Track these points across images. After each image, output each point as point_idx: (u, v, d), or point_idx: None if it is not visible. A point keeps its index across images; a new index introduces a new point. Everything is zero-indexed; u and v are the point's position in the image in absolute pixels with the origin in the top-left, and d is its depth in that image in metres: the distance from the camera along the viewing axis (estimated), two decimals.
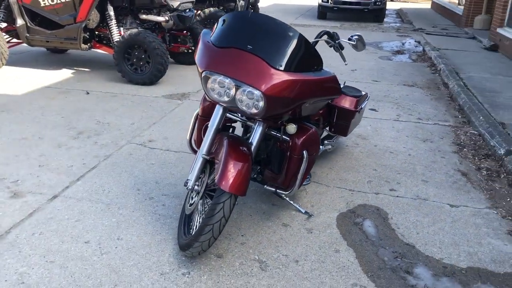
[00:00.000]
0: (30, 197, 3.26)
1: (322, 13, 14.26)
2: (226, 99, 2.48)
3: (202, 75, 2.49)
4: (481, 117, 5.04)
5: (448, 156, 4.28)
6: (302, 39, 2.49)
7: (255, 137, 2.71)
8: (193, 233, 2.51)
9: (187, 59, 7.37)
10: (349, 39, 3.12)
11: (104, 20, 6.37)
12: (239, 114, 2.91)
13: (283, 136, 2.79)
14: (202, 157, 2.65)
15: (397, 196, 3.48)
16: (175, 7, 6.33)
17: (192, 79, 6.55)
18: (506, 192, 3.63)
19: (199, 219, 2.64)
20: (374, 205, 3.34)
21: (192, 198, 2.71)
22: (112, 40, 6.26)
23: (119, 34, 6.26)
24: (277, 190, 2.95)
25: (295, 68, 2.44)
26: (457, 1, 15.12)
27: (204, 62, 2.50)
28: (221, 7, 9.23)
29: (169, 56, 6.13)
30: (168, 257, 2.68)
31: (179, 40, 7.31)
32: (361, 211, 3.25)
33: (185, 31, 7.13)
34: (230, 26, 2.53)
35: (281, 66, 2.40)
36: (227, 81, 2.43)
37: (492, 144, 4.41)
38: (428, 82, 7.07)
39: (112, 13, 6.22)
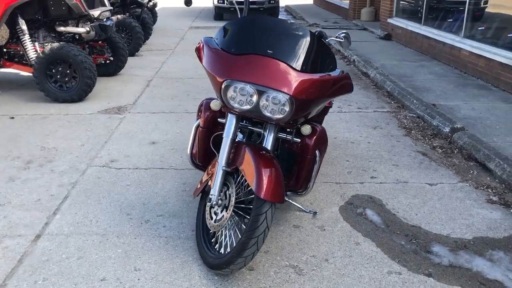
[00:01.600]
0: (9, 242, 2.86)
1: (219, 14, 14.33)
2: (247, 107, 2.41)
3: (223, 85, 2.39)
4: (414, 101, 5.48)
5: (402, 139, 4.60)
6: (318, 39, 2.51)
7: (268, 142, 2.67)
8: (231, 249, 2.40)
9: (106, 70, 6.95)
10: (337, 37, 3.19)
11: (14, 35, 5.75)
12: (244, 121, 2.83)
13: (294, 138, 2.78)
14: (222, 170, 2.55)
15: (381, 183, 3.66)
16: (96, 16, 5.93)
17: (120, 91, 6.20)
18: (466, 166, 4.00)
19: (230, 234, 2.54)
20: (365, 194, 3.48)
21: (217, 214, 2.59)
22: (28, 57, 5.68)
23: (34, 50, 5.70)
24: (287, 193, 2.94)
25: (317, 69, 2.45)
26: None
27: (222, 71, 2.40)
28: (128, 14, 8.84)
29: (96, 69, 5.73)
30: (199, 279, 2.54)
31: (95, 51, 6.86)
32: (357, 202, 3.36)
33: (101, 41, 6.71)
34: (244, 32, 2.47)
35: (304, 67, 2.40)
36: (249, 88, 2.36)
37: (435, 124, 4.82)
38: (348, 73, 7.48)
39: (24, 27, 5.64)
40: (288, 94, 2.33)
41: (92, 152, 4.18)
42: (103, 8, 6.22)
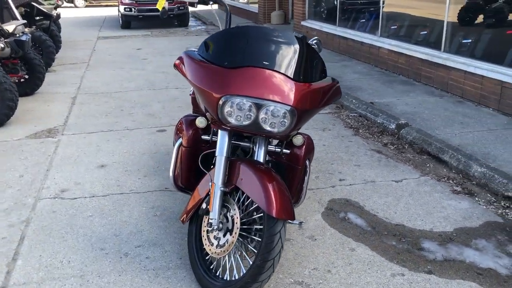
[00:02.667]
0: None
1: (126, 22, 13.76)
2: (246, 122, 2.28)
3: (221, 101, 2.23)
4: (353, 100, 5.65)
5: (353, 139, 4.71)
6: (311, 48, 2.44)
7: (259, 157, 2.55)
8: (244, 274, 2.25)
9: (23, 90, 6.32)
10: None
11: None
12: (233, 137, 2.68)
13: (284, 150, 2.69)
14: (220, 191, 2.39)
15: (351, 185, 3.70)
16: (10, 31, 5.36)
17: (44, 112, 5.67)
18: (421, 160, 4.19)
19: (236, 257, 2.39)
20: (341, 197, 3.49)
21: (218, 238, 2.42)
22: None
23: None
24: None
25: (313, 77, 2.39)
26: (245, 1, 16.32)
27: (218, 86, 2.24)
28: (34, 27, 8.14)
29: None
30: None
31: (7, 69, 6.21)
32: (336, 207, 3.36)
33: (14, 59, 6.09)
34: (235, 44, 2.33)
35: (302, 77, 2.32)
36: (247, 102, 2.23)
37: (380, 121, 5.00)
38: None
39: None
40: (290, 106, 2.24)
41: (36, 183, 3.75)
42: (17, 22, 5.65)
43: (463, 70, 5.88)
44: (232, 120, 2.29)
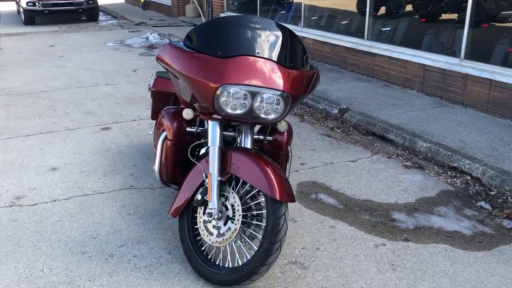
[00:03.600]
0: None
1: (30, 18, 12.84)
2: (241, 111, 2.32)
3: (218, 91, 2.25)
4: None
5: (302, 125, 4.90)
6: (296, 36, 2.52)
7: (246, 144, 2.60)
8: (251, 259, 2.30)
9: None
10: None
11: None
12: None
13: (267, 137, 2.76)
14: (217, 180, 2.41)
15: (312, 168, 3.87)
16: None
17: None
18: (368, 140, 4.49)
19: (238, 244, 2.43)
20: (308, 180, 3.64)
21: (219, 227, 2.43)
22: None
23: None
24: None
25: (301, 64, 2.47)
26: None
27: (213, 76, 2.25)
28: None
29: None
30: None
31: None
32: (306, 189, 3.50)
33: None
34: (226, 34, 2.34)
35: (291, 64, 2.40)
36: (245, 91, 2.28)
37: (322, 107, 5.25)
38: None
39: None
40: (285, 92, 2.31)
41: None
42: None
43: (387, 56, 6.32)
44: (227, 109, 2.31)
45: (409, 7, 6.41)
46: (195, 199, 2.52)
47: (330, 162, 3.97)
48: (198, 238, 2.60)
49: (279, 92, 2.30)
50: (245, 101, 2.30)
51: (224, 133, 2.67)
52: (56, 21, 13.67)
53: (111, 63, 8.03)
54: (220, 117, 2.39)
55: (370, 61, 6.65)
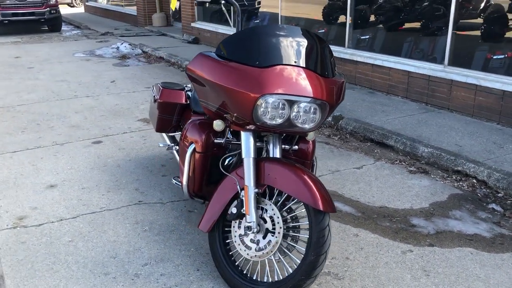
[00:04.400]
0: None
1: None
2: (279, 121, 2.27)
3: (259, 102, 2.19)
4: None
5: None
6: (325, 41, 2.49)
7: (275, 154, 2.55)
8: (296, 271, 2.25)
9: None
10: None
11: None
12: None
13: (293, 146, 2.72)
14: (254, 193, 2.35)
15: (320, 176, 3.86)
16: None
17: None
18: (366, 146, 4.53)
19: (278, 257, 2.36)
20: None
21: (258, 241, 2.36)
22: None
23: None
24: None
25: (331, 73, 2.46)
26: (123, 4, 15.68)
27: (254, 86, 2.20)
28: None
29: None
30: None
31: None
32: None
33: None
34: (262, 43, 2.29)
35: (326, 73, 2.38)
36: (283, 101, 2.23)
37: None
38: None
39: None
40: (323, 101, 2.29)
41: None
42: None
43: (370, 63, 6.44)
44: (266, 120, 2.26)
45: (390, 15, 6.56)
46: (230, 212, 2.44)
47: (337, 170, 3.97)
48: (230, 253, 2.53)
49: (318, 101, 2.27)
50: (283, 111, 2.26)
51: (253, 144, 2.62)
52: (17, 32, 13.14)
53: (85, 74, 7.78)
54: (255, 128, 2.33)
55: (352, 69, 6.75)
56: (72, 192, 3.57)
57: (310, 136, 2.66)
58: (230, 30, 9.57)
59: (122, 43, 10.08)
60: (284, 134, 2.63)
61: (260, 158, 2.44)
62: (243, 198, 2.39)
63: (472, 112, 5.23)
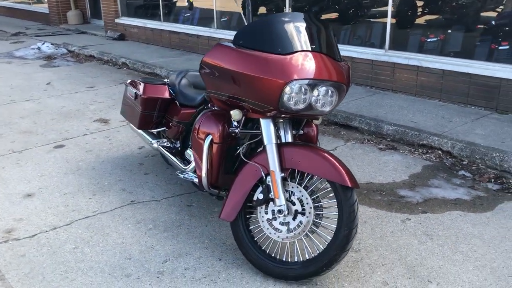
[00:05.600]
0: None
1: None
2: (301, 106, 2.36)
3: (286, 88, 2.25)
4: None
5: None
6: (330, 26, 2.59)
7: (288, 139, 2.64)
8: (330, 247, 2.35)
9: None
10: None
11: None
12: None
13: (301, 130, 2.82)
14: (281, 177, 2.42)
15: None
16: None
17: None
18: (332, 129, 4.75)
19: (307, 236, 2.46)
20: None
21: (287, 223, 2.44)
22: None
23: None
24: None
25: (340, 57, 2.57)
26: (30, 1, 14.67)
27: (280, 73, 2.25)
28: None
29: None
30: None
31: None
32: None
33: None
34: (281, 30, 2.34)
35: (338, 57, 2.50)
36: (307, 86, 2.32)
37: None
38: (139, 76, 7.23)
39: None
40: (342, 83, 2.41)
41: None
42: None
43: None
44: (290, 105, 2.33)
45: (331, 3, 6.85)
46: (256, 198, 2.49)
47: None
48: (255, 239, 2.58)
49: (337, 84, 2.39)
50: (305, 96, 2.35)
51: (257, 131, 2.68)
52: None
53: (13, 77, 7.24)
54: (277, 114, 2.40)
55: None
56: (54, 199, 3.38)
57: (318, 120, 2.78)
58: (160, 25, 9.40)
59: (43, 43, 9.48)
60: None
61: (284, 143, 2.50)
62: (269, 184, 2.45)
63: (415, 91, 5.66)
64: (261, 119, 2.48)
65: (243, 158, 2.57)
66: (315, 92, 2.36)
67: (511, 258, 2.63)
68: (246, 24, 2.52)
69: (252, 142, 2.70)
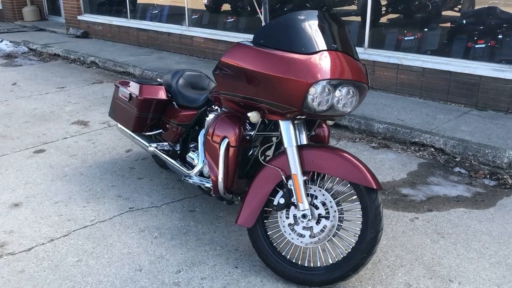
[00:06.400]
0: None
1: None
2: (325, 107, 2.30)
3: (312, 88, 2.18)
4: None
5: None
6: (345, 23, 2.53)
7: (303, 141, 2.56)
8: (356, 251, 2.30)
9: None
10: None
11: None
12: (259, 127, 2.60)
13: (314, 131, 2.76)
14: (303, 180, 2.35)
15: None
16: None
17: None
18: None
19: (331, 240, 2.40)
20: None
21: (311, 228, 2.37)
22: None
23: None
24: None
25: (357, 55, 2.52)
26: None
27: (307, 73, 2.18)
28: None
29: None
30: None
31: None
32: None
33: None
34: (304, 30, 2.26)
35: (356, 56, 2.45)
36: (328, 86, 2.26)
37: None
38: (110, 76, 6.96)
39: None
40: (364, 83, 2.37)
41: None
42: None
43: None
44: (313, 105, 2.26)
45: (307, 2, 6.83)
46: (277, 203, 2.41)
47: None
48: (274, 245, 2.50)
49: (358, 84, 2.34)
50: (329, 96, 2.28)
51: (271, 133, 2.61)
52: None
53: None
54: (298, 115, 2.32)
55: None
56: (45, 208, 3.17)
57: (331, 120, 2.72)
58: (127, 22, 9.11)
59: (1, 41, 8.97)
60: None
61: (302, 145, 2.43)
62: (291, 188, 2.37)
63: (395, 89, 5.73)
64: (280, 121, 2.40)
65: (262, 161, 2.48)
66: (337, 93, 2.30)
67: None
68: (263, 23, 2.42)
69: (270, 144, 2.61)
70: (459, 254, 2.68)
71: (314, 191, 2.39)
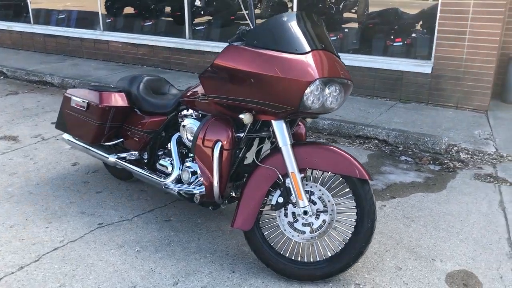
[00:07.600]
0: None
1: None
2: (317, 105, 2.37)
3: (309, 87, 2.23)
4: None
5: None
6: (322, 21, 2.60)
7: (290, 138, 2.61)
8: (354, 241, 2.39)
9: None
10: None
11: None
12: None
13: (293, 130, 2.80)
14: (301, 178, 2.40)
15: None
16: None
17: None
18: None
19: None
20: None
21: (311, 224, 2.42)
22: None
23: None
24: None
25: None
26: None
27: (302, 73, 2.22)
28: None
29: None
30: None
31: None
32: None
33: None
34: (294, 31, 2.29)
35: (338, 55, 2.55)
36: (321, 85, 2.33)
37: None
38: (25, 86, 6.40)
39: None
40: (350, 80, 2.47)
41: None
42: None
43: (213, 52, 6.66)
44: (308, 103, 2.31)
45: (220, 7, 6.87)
46: (276, 202, 2.43)
47: None
48: (272, 244, 2.52)
49: (346, 81, 2.44)
50: (321, 94, 2.35)
51: (259, 134, 2.63)
52: None
53: None
54: (294, 114, 2.36)
55: (199, 59, 6.86)
56: (3, 234, 2.85)
57: (309, 119, 2.80)
58: (30, 28, 8.45)
59: None
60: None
61: (293, 143, 2.47)
62: (289, 186, 2.40)
63: None
64: (273, 121, 2.42)
65: (257, 161, 2.48)
66: (326, 90, 2.37)
67: (482, 228, 2.97)
68: (251, 25, 2.42)
69: (262, 145, 2.61)
70: (431, 235, 2.90)
71: (311, 187, 2.44)
